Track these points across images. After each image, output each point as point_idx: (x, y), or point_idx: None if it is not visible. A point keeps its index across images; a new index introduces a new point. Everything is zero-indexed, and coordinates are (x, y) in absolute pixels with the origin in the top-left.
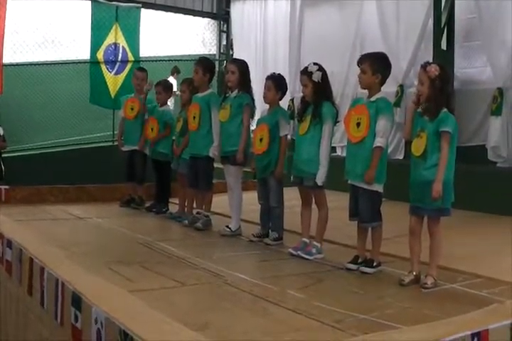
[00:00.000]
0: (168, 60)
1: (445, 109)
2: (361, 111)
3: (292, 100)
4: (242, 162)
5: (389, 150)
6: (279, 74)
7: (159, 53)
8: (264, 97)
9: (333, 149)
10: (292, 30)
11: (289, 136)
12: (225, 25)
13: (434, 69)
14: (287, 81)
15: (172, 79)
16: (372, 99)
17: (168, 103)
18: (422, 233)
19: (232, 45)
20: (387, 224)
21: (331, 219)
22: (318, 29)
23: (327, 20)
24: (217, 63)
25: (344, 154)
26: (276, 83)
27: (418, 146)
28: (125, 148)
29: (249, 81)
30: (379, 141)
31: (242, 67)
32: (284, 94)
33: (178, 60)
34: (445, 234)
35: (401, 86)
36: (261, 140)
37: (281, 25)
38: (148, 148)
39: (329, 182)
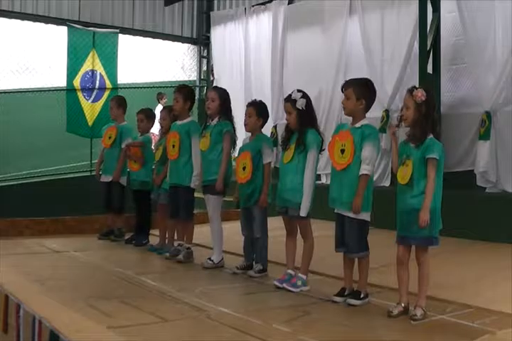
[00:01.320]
0: (147, 87)
1: (431, 135)
2: (345, 137)
3: (275, 127)
4: (222, 191)
5: (374, 177)
6: (260, 100)
7: (138, 80)
8: (245, 124)
9: (318, 177)
10: (274, 54)
11: (272, 164)
12: (205, 51)
13: (420, 94)
14: (270, 107)
15: (160, 107)
16: (357, 125)
17: (154, 131)
18: (409, 262)
19: (212, 71)
20: (374, 253)
21: (317, 250)
22: (301, 53)
23: (310, 43)
24: (197, 89)
25: (329, 182)
26: (258, 110)
27: (404, 174)
28: (103, 179)
29: (230, 109)
30: (365, 169)
31: (223, 94)
32: (265, 120)
33: (157, 87)
34: (433, 262)
35: (386, 111)
36: (244, 168)
37: (263, 50)
38: (127, 178)
39: (315, 211)
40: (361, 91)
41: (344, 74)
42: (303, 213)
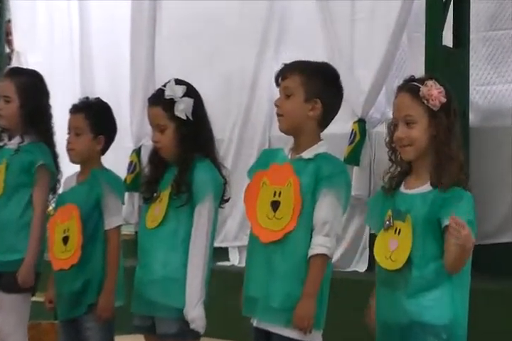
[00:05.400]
0: None
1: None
2: (283, 178)
3: (138, 152)
4: (30, 285)
5: (338, 253)
6: (97, 99)
7: None
8: (68, 149)
9: (222, 253)
10: (136, 15)
11: (133, 229)
12: None
13: (437, 93)
14: (127, 113)
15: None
16: (306, 154)
17: None
18: None
19: (9, 37)
20: None
21: None
22: (189, 16)
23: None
24: None
25: (242, 264)
26: (93, 119)
27: (391, 249)
28: None
29: (48, 116)
30: (321, 243)
31: (29, 86)
32: (110, 140)
33: None
34: None
35: (360, 122)
36: (65, 240)
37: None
38: None
39: (211, 324)
40: (316, 84)
41: (276, 51)
42: (195, 324)
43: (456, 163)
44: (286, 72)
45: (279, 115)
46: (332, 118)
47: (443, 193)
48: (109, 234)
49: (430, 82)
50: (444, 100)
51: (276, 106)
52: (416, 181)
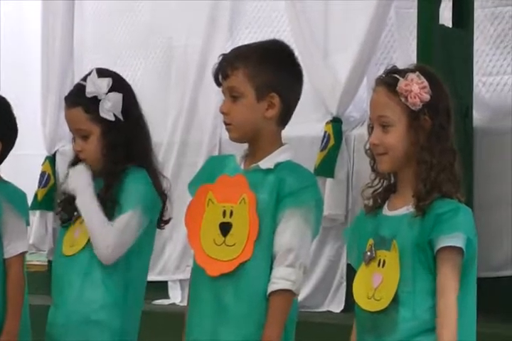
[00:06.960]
0: None
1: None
2: (235, 194)
3: (51, 160)
4: None
5: (307, 291)
6: None
7: None
8: None
9: (160, 288)
10: None
11: (44, 258)
12: None
13: (418, 88)
14: (38, 112)
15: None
16: (264, 163)
17: None
18: None
19: None
20: None
21: None
22: None
23: None
24: None
25: (185, 303)
26: None
27: (374, 288)
28: None
29: None
30: (285, 276)
31: None
32: (8, 147)
33: None
34: None
35: (335, 122)
36: None
37: None
38: None
39: None
40: (267, 73)
41: (230, 31)
42: None
43: (445, 175)
44: (226, 68)
45: (226, 124)
46: (294, 110)
47: (436, 210)
48: (10, 263)
49: (412, 75)
50: (426, 98)
51: (223, 113)
52: (401, 199)
